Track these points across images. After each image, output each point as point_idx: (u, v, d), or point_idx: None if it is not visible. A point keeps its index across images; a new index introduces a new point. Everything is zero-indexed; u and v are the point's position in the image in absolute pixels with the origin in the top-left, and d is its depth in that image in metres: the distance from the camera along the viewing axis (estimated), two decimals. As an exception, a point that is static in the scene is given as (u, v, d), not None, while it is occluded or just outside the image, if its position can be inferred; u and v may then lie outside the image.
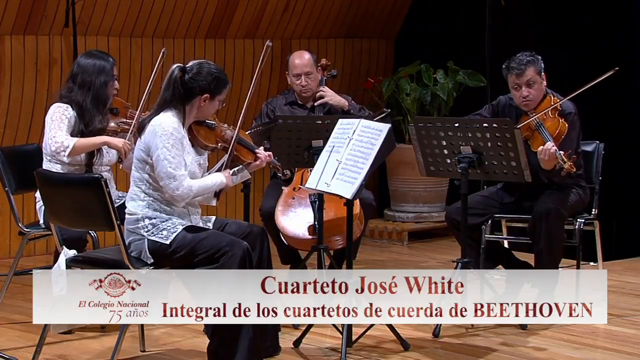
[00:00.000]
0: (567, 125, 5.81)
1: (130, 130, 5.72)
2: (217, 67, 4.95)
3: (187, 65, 4.89)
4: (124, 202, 5.64)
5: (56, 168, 5.59)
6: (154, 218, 4.83)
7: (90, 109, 5.63)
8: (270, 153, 5.23)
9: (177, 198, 4.80)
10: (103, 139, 5.63)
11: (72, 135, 5.60)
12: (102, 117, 5.67)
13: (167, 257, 4.80)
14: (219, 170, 5.08)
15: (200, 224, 4.99)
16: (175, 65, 4.87)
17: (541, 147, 5.64)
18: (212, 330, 4.82)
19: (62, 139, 5.54)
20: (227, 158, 5.05)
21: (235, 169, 5.07)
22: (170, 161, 4.75)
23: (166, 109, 4.84)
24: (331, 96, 6.49)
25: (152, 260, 4.80)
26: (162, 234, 4.80)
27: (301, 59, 6.51)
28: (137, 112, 5.73)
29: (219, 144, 5.04)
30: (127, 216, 4.89)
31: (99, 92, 5.64)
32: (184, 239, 4.78)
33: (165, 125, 4.77)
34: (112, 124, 5.77)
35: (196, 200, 4.95)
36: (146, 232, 4.82)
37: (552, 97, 5.92)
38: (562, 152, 5.60)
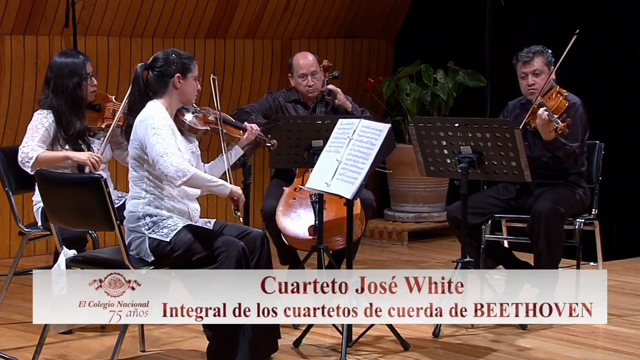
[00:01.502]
0: (566, 102, 5.86)
1: (113, 124, 5.68)
2: (180, 50, 5.05)
3: (147, 62, 4.95)
4: (123, 203, 5.66)
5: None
6: (155, 216, 4.84)
7: (67, 113, 5.62)
8: (254, 125, 5.34)
9: (173, 174, 4.74)
10: (66, 154, 5.58)
11: (53, 141, 5.59)
12: (80, 119, 5.66)
13: (166, 255, 4.80)
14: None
15: (200, 224, 4.99)
16: (137, 65, 4.95)
17: (537, 113, 5.70)
18: (212, 331, 4.82)
19: (28, 149, 5.53)
20: (221, 138, 5.15)
21: (227, 147, 5.20)
22: (161, 143, 4.76)
23: (145, 102, 4.88)
24: (341, 94, 6.51)
25: (152, 259, 4.81)
26: (162, 232, 4.81)
27: (306, 59, 6.50)
28: (122, 104, 5.68)
29: (208, 126, 5.13)
30: (127, 215, 4.89)
31: (73, 95, 5.63)
32: (183, 238, 4.79)
33: (154, 116, 4.81)
34: (98, 122, 5.76)
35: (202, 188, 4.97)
36: (147, 229, 4.83)
37: (559, 88, 5.96)
38: (556, 116, 5.67)
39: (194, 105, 5.11)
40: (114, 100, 5.87)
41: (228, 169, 5.14)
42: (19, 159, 5.56)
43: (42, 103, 5.67)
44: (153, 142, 4.76)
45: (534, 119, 5.80)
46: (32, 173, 5.41)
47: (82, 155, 5.58)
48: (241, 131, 5.31)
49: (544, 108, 5.73)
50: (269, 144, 5.45)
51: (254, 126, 5.35)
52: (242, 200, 4.96)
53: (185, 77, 4.93)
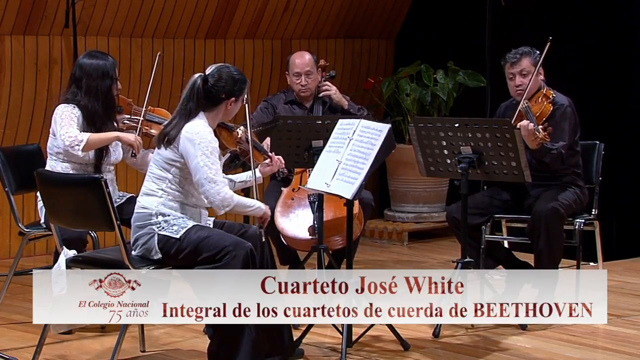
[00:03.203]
0: (551, 106, 5.86)
1: (137, 128, 5.73)
2: (235, 68, 5.03)
3: (207, 73, 4.94)
4: (123, 202, 5.67)
5: (61, 167, 5.59)
6: (168, 215, 4.85)
7: (102, 116, 5.63)
8: (281, 158, 5.33)
9: (219, 203, 4.82)
10: (116, 134, 5.63)
11: None
12: (112, 122, 5.68)
13: (174, 253, 4.80)
14: (228, 164, 5.18)
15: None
16: (196, 75, 4.94)
17: (519, 123, 5.70)
18: (213, 331, 4.82)
19: (75, 133, 5.53)
20: (250, 159, 5.14)
21: (249, 174, 5.19)
22: (210, 167, 4.78)
23: (193, 117, 4.88)
24: (335, 92, 6.53)
25: (159, 256, 4.81)
26: (172, 229, 4.82)
27: (301, 58, 6.54)
28: (143, 109, 5.75)
29: (237, 147, 5.16)
30: (138, 211, 4.88)
31: (106, 97, 5.65)
32: (193, 236, 4.80)
33: (203, 134, 4.82)
34: (120, 124, 5.79)
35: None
36: (158, 227, 4.83)
37: (547, 90, 5.96)
38: (540, 126, 5.68)
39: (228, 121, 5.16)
40: (132, 102, 5.89)
41: (256, 188, 5.16)
42: (67, 143, 5.51)
43: (69, 101, 5.64)
44: (202, 164, 4.77)
45: (519, 119, 5.79)
46: (82, 155, 5.51)
47: (131, 137, 5.63)
48: (263, 157, 5.30)
49: (528, 122, 5.71)
50: (281, 172, 5.42)
51: (281, 159, 5.33)
52: (268, 220, 5.04)
53: (237, 100, 4.97)
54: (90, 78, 5.63)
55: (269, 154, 5.33)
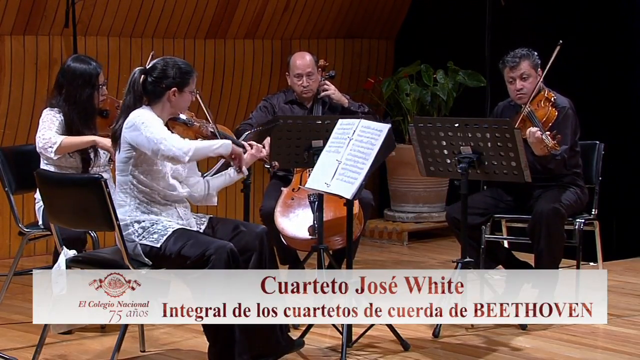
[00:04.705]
0: (556, 112, 5.85)
1: None
2: (181, 60, 4.96)
3: (147, 66, 4.90)
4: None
5: (52, 169, 5.59)
6: (144, 221, 4.81)
7: (77, 124, 5.63)
8: (260, 146, 5.12)
9: (179, 153, 4.69)
10: (92, 139, 5.61)
11: None
12: (90, 130, 5.66)
13: (162, 259, 4.79)
14: (218, 171, 5.10)
15: (193, 222, 4.98)
16: (136, 69, 4.89)
17: (528, 130, 5.68)
18: (212, 333, 4.80)
19: (49, 136, 5.54)
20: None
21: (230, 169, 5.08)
22: (155, 132, 4.69)
23: (135, 109, 4.83)
24: (334, 91, 6.54)
25: (150, 263, 4.79)
26: (152, 237, 4.78)
27: (302, 59, 6.53)
28: None
29: (198, 138, 5.00)
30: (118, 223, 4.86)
31: (84, 105, 5.64)
32: (172, 244, 4.76)
33: (140, 114, 4.76)
34: (107, 129, 5.78)
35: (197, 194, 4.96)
36: (137, 236, 4.80)
37: (547, 92, 5.95)
38: (548, 133, 5.66)
39: (189, 117, 5.04)
40: (120, 105, 5.89)
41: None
42: (40, 145, 5.54)
43: (53, 105, 5.66)
44: (147, 135, 4.70)
45: (523, 126, 5.78)
46: (56, 158, 5.51)
47: (108, 142, 5.59)
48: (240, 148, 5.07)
49: (537, 129, 5.69)
50: (269, 166, 5.27)
51: (259, 146, 5.11)
52: (240, 156, 4.92)
53: (182, 91, 4.88)
54: (71, 85, 5.64)
55: (242, 142, 5.10)
